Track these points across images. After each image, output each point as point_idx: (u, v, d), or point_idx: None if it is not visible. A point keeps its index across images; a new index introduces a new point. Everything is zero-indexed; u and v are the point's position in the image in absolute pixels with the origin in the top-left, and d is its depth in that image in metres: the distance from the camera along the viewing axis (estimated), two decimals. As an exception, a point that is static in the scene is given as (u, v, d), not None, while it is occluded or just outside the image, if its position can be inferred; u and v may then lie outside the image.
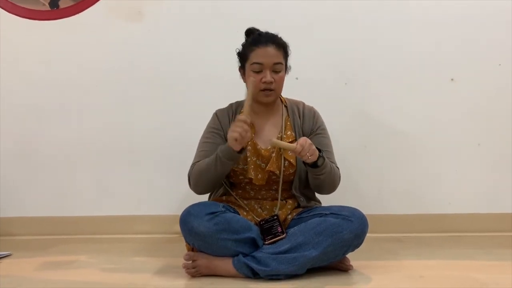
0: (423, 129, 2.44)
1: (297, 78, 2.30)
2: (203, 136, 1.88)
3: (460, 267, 1.81)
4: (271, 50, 1.77)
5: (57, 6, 2.48)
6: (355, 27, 2.43)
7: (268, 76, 1.75)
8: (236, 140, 1.62)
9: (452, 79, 2.43)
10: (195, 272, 1.68)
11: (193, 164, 1.81)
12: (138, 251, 2.14)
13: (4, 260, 2.02)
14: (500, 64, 2.41)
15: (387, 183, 2.45)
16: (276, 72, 1.78)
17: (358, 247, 1.69)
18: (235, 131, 1.62)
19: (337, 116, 2.37)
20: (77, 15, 2.48)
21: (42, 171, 2.50)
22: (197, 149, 1.86)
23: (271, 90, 1.77)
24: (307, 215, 1.76)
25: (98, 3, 2.47)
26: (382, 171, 2.45)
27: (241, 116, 1.66)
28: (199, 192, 1.83)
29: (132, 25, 2.47)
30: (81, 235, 2.44)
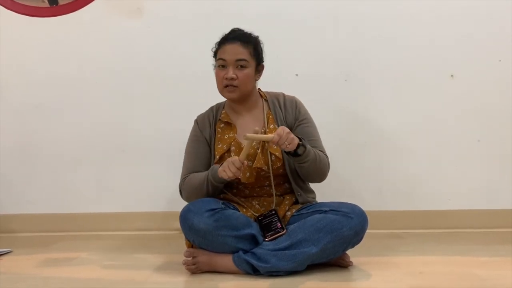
0: (423, 125, 2.44)
1: (297, 75, 2.30)
2: (188, 146, 1.91)
3: (460, 263, 1.81)
4: (235, 47, 1.78)
5: (56, 3, 2.48)
6: (354, 23, 2.42)
7: (230, 72, 1.77)
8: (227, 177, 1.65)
9: (452, 76, 2.43)
10: (195, 269, 1.69)
11: (183, 178, 1.84)
12: (138, 248, 2.15)
13: (5, 257, 2.02)
14: (500, 60, 2.40)
15: (387, 179, 2.44)
16: (240, 68, 1.78)
17: (358, 243, 1.70)
18: (227, 171, 1.63)
19: (336, 112, 2.38)
20: (76, 12, 2.47)
21: (43, 168, 2.50)
22: (184, 160, 1.89)
23: (234, 86, 1.78)
24: (306, 211, 1.76)
25: (97, 0, 2.47)
26: (382, 167, 2.45)
27: (235, 158, 1.64)
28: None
29: (131, 21, 2.46)
30: (82, 232, 2.44)
